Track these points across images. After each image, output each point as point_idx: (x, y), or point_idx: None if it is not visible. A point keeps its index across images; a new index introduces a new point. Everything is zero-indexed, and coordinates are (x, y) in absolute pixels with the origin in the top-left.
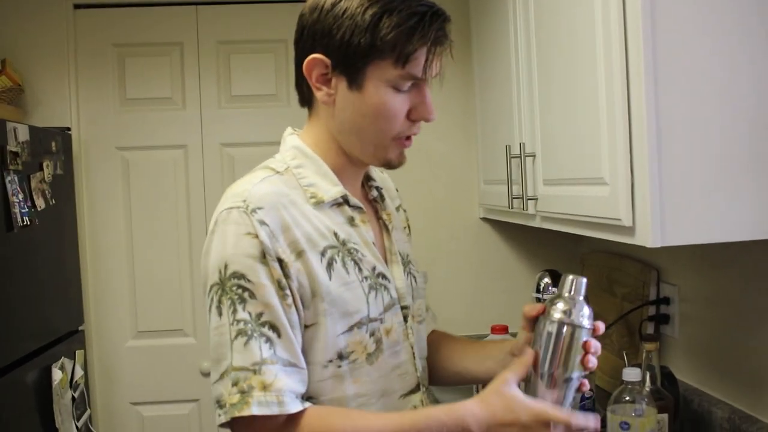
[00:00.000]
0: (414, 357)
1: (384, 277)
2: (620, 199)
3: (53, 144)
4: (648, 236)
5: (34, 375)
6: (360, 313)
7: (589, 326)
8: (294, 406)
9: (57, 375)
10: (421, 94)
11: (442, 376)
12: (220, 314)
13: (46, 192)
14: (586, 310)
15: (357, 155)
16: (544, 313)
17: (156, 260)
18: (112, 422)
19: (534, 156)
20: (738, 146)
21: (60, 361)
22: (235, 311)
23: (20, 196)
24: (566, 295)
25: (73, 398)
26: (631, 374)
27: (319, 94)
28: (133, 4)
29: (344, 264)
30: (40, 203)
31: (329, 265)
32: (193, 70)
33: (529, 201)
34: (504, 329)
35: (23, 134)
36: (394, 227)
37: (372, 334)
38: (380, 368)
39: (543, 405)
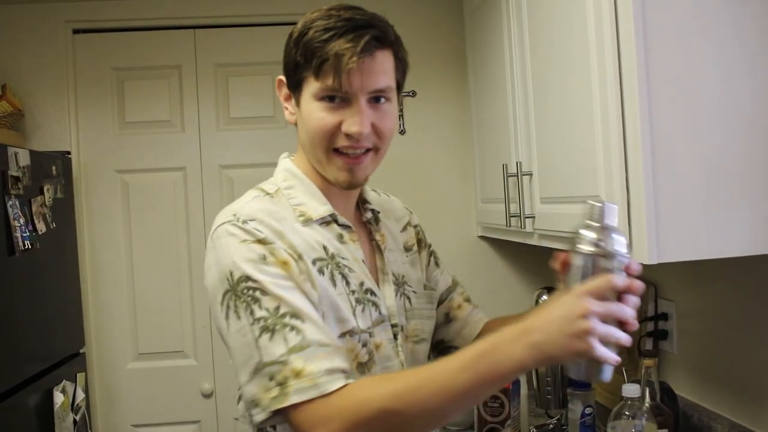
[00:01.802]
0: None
1: (372, 293)
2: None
3: (53, 168)
4: (645, 253)
5: (35, 398)
6: (350, 323)
7: (626, 255)
8: (332, 385)
9: (59, 398)
10: (353, 108)
11: None
12: (238, 317)
13: (47, 216)
14: (621, 239)
15: (321, 172)
16: (573, 250)
17: (156, 282)
18: None
19: (531, 174)
20: (733, 163)
21: (61, 384)
22: (252, 312)
23: (21, 221)
24: (594, 224)
25: (75, 421)
26: (630, 390)
27: (286, 113)
28: (132, 29)
29: (332, 276)
30: (41, 227)
31: (320, 274)
32: (192, 92)
33: (526, 219)
34: None
35: (24, 159)
36: (388, 249)
37: (364, 345)
38: None
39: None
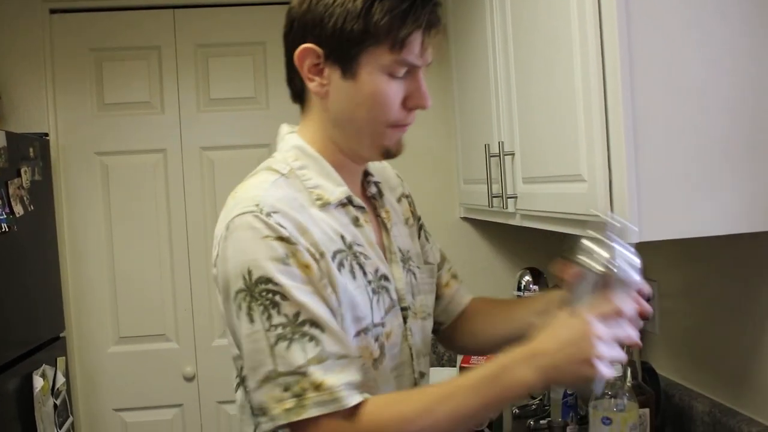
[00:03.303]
0: (412, 358)
1: (386, 278)
2: (598, 196)
3: (31, 150)
4: (627, 231)
5: (15, 383)
6: (366, 319)
7: (638, 280)
8: (352, 399)
9: (38, 382)
10: (416, 80)
11: (490, 343)
12: (251, 321)
13: (25, 198)
14: (636, 261)
15: (353, 148)
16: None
17: (137, 265)
18: (95, 429)
19: (513, 154)
20: (715, 141)
21: (41, 368)
22: (269, 317)
23: None
24: (609, 243)
25: (55, 405)
26: None
27: (312, 85)
28: (110, 9)
29: (351, 269)
30: (19, 210)
31: (340, 269)
32: (171, 73)
33: (508, 199)
34: None
35: (0, 141)
36: (393, 223)
37: (376, 339)
38: (383, 372)
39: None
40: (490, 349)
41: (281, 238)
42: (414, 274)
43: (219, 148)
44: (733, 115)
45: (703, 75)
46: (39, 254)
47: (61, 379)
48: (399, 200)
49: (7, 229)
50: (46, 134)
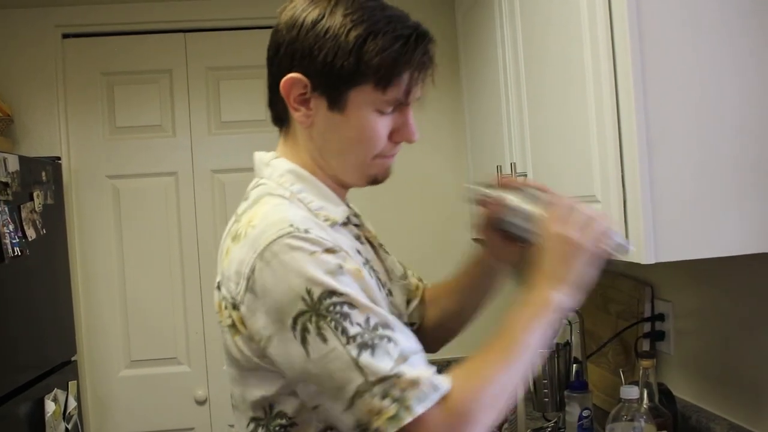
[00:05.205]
0: None
1: (391, 293)
2: (613, 217)
3: (43, 174)
4: (642, 253)
5: (26, 407)
6: None
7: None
8: (446, 382)
9: (50, 407)
10: (404, 115)
11: (461, 321)
12: (325, 340)
13: (37, 222)
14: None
15: (338, 176)
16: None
17: (148, 288)
18: None
19: (525, 175)
20: (728, 162)
21: (53, 392)
22: (344, 330)
23: (11, 227)
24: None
25: (67, 430)
26: (628, 392)
27: (297, 115)
28: (122, 33)
29: (377, 282)
30: (31, 233)
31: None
32: (183, 96)
33: None
34: None
35: (13, 164)
36: (377, 243)
37: None
38: None
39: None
40: (455, 329)
41: (328, 250)
42: (400, 291)
43: (230, 171)
44: (745, 136)
45: (715, 96)
46: (51, 278)
47: (72, 403)
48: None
49: (19, 253)
50: (59, 158)
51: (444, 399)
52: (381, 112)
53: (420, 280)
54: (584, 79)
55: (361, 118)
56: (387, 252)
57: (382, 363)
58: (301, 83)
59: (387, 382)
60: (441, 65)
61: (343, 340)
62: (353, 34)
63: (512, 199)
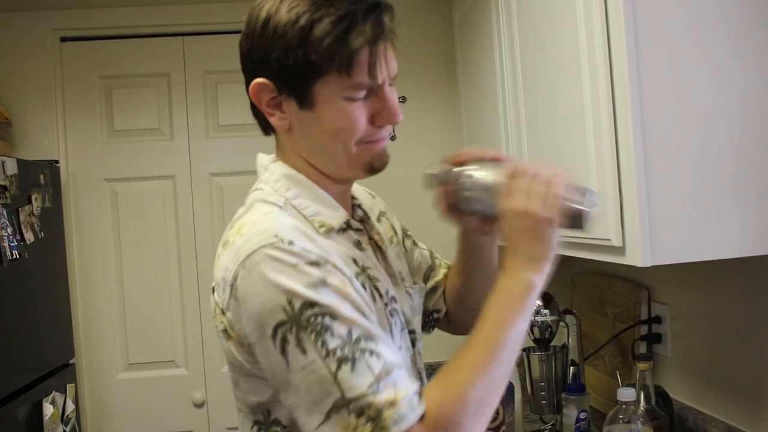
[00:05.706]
0: (422, 382)
1: (395, 300)
2: (609, 220)
3: (41, 177)
4: (638, 256)
5: (24, 410)
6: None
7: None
8: (422, 404)
9: (48, 410)
10: (382, 98)
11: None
12: (304, 352)
13: (35, 225)
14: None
15: (334, 171)
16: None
17: (146, 291)
18: None
19: None
20: (725, 165)
21: (51, 395)
22: (324, 342)
23: (9, 230)
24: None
25: None
26: (625, 394)
27: (273, 120)
28: (120, 37)
29: (372, 292)
30: (29, 236)
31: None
32: (181, 100)
33: None
34: None
35: (11, 168)
36: (385, 246)
37: None
38: None
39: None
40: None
41: (312, 263)
42: (411, 295)
43: (228, 174)
44: (742, 138)
45: (712, 98)
46: (49, 281)
47: (70, 406)
48: (379, 220)
49: (18, 256)
50: (57, 161)
51: (423, 417)
52: (352, 99)
53: (447, 267)
54: (581, 81)
55: (332, 110)
56: (415, 244)
57: (360, 379)
58: (268, 88)
59: (364, 399)
60: (438, 68)
61: (323, 353)
62: (297, 26)
63: (469, 175)
